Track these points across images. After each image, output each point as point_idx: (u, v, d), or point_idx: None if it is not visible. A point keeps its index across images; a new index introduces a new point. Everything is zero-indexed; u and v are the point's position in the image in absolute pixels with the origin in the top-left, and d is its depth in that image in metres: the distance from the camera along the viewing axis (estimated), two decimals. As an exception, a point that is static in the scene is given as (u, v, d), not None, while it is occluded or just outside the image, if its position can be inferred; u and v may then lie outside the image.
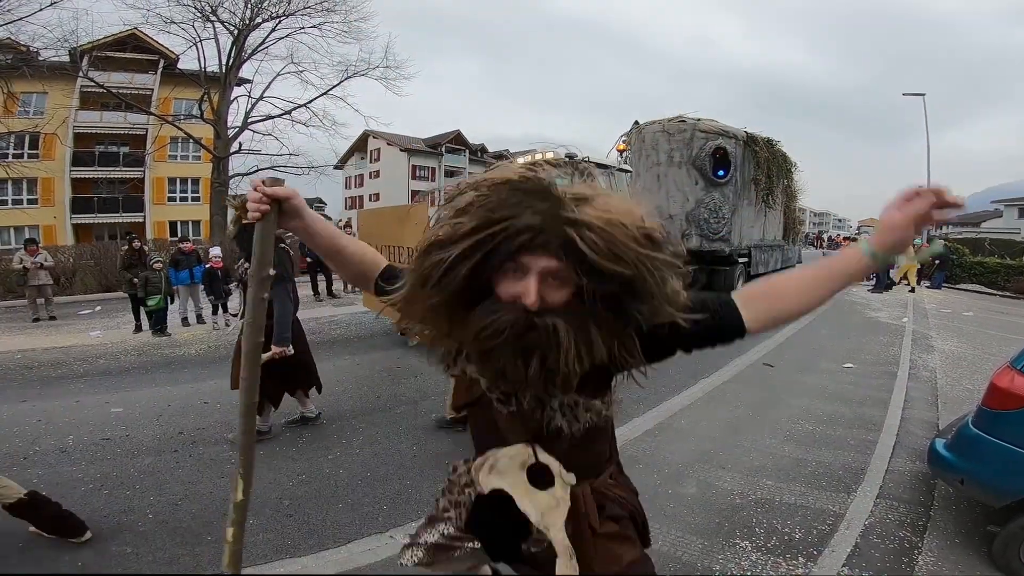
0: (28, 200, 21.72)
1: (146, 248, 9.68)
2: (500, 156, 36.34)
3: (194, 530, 2.58)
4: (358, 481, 3.11)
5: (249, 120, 20.12)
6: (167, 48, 21.35)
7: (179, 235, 22.43)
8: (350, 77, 20.28)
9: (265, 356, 3.25)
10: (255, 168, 20.44)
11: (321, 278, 11.69)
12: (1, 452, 3.47)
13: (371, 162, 42.90)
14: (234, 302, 8.35)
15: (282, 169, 20.42)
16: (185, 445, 3.62)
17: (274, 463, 3.30)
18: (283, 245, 3.61)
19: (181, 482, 3.09)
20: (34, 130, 18.13)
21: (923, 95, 20.54)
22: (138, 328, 7.87)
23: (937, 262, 14.72)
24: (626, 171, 8.96)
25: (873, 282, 13.61)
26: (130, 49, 20.94)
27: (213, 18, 18.56)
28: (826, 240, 44.31)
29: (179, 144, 23.43)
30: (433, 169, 42.09)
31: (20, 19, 14.52)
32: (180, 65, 21.88)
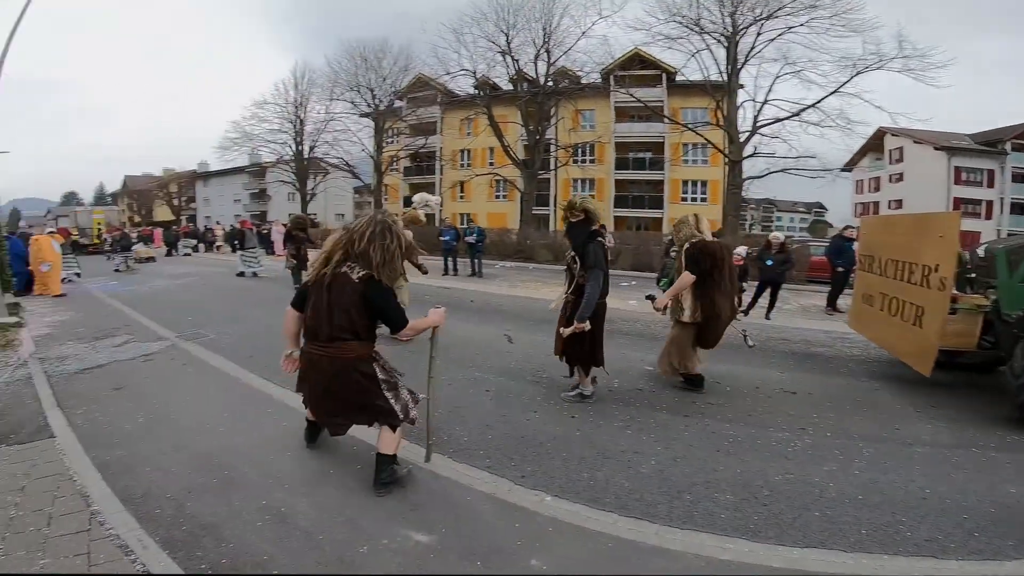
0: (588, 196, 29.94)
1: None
2: None
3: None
4: (847, 500, 2.78)
5: (757, 124, 20.60)
6: (666, 63, 24.70)
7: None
8: (860, 72, 18.46)
9: (567, 330, 3.86)
10: (765, 171, 20.96)
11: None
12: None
13: (890, 163, 35.53)
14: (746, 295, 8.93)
15: (792, 172, 20.10)
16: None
17: (764, 455, 3.35)
18: (600, 239, 3.93)
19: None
20: (596, 140, 25.32)
21: None
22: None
23: None
24: None
25: None
26: (636, 67, 25.72)
27: (697, 29, 20.00)
28: None
29: (689, 150, 26.48)
30: (991, 172, 30.73)
31: (568, 49, 22.66)
32: (678, 77, 24.88)
